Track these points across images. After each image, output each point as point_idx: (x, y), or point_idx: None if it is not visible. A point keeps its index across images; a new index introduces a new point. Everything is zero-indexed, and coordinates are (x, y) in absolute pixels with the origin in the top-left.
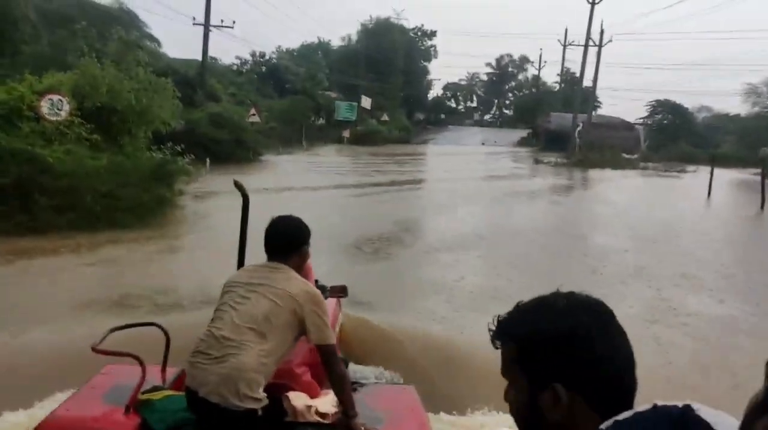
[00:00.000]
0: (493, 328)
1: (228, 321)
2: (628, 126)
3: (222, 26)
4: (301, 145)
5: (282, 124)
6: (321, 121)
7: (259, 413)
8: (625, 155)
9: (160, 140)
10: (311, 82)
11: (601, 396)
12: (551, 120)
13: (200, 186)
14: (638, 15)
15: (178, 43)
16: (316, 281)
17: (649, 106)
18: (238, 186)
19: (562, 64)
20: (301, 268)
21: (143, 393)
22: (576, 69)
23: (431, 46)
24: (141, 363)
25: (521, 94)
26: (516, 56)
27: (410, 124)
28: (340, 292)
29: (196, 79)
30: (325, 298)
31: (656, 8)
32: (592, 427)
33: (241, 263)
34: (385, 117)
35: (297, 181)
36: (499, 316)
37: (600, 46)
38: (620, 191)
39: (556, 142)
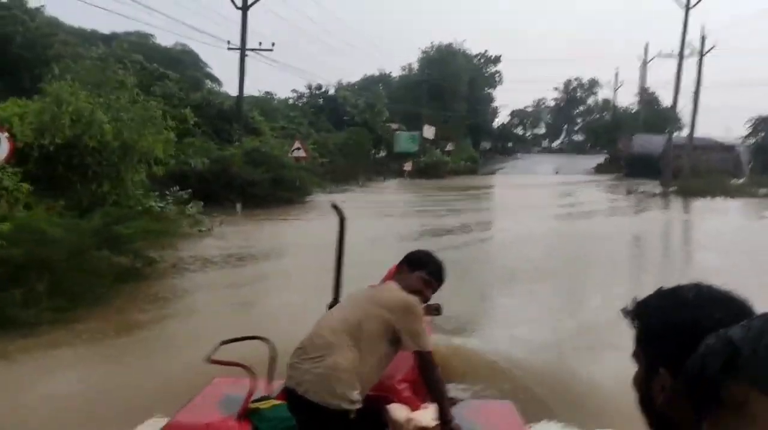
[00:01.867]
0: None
1: (326, 325)
2: (726, 147)
3: (260, 49)
4: (358, 181)
5: (338, 158)
6: (382, 153)
7: (352, 415)
8: (731, 180)
9: (177, 183)
10: (370, 113)
11: None
12: (634, 143)
13: (207, 244)
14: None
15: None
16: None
17: (749, 124)
18: (336, 208)
19: (642, 82)
20: (416, 290)
21: (253, 402)
22: (654, 88)
23: (496, 72)
24: (251, 373)
25: (591, 118)
26: (585, 80)
27: (477, 153)
28: (434, 310)
29: (232, 112)
30: None
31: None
32: (688, 423)
33: (337, 290)
34: (450, 147)
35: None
36: (636, 297)
37: (701, 54)
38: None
39: (641, 168)
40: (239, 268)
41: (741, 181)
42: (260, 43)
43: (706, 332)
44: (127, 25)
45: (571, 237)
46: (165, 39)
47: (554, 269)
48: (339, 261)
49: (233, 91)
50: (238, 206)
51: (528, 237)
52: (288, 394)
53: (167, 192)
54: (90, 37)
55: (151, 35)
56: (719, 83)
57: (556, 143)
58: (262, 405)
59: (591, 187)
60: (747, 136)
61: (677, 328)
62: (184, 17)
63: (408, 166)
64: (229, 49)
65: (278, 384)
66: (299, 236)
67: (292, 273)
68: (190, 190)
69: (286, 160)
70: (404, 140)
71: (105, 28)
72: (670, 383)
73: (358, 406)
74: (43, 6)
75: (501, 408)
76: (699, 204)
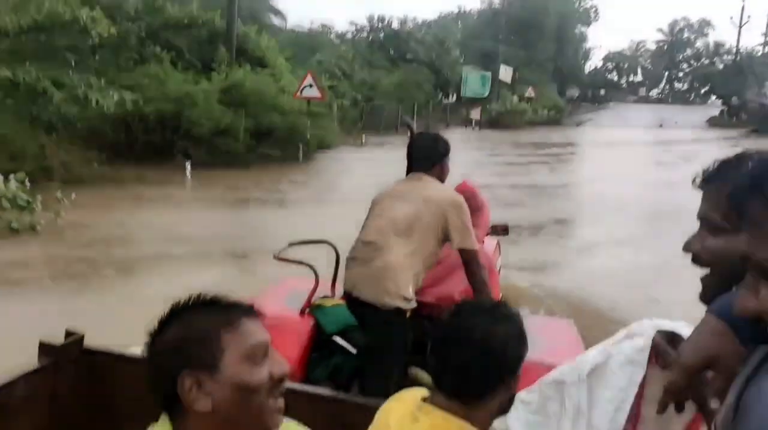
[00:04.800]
0: (710, 170)
1: (373, 227)
2: None
3: None
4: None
5: (392, 102)
6: (451, 98)
7: (408, 314)
8: None
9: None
10: (439, 50)
11: None
12: None
13: None
14: None
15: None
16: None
17: None
18: (408, 125)
19: None
20: (443, 180)
21: (316, 300)
22: None
23: (591, 7)
24: (315, 272)
25: (699, 64)
26: (693, 20)
27: (562, 101)
28: (502, 230)
29: (223, 35)
30: (487, 234)
31: None
32: None
33: None
34: (531, 93)
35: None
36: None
37: None
38: None
39: None
40: None
41: None
42: None
43: None
44: None
45: None
46: None
47: None
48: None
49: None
50: (187, 167)
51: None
52: (346, 296)
53: None
54: None
55: None
56: None
57: (654, 92)
58: (325, 302)
59: (719, 148)
60: None
61: None
62: None
63: (476, 114)
64: None
65: (341, 288)
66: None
67: None
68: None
69: (286, 102)
70: (473, 82)
71: None
72: None
73: (413, 305)
74: None
75: (560, 325)
76: None
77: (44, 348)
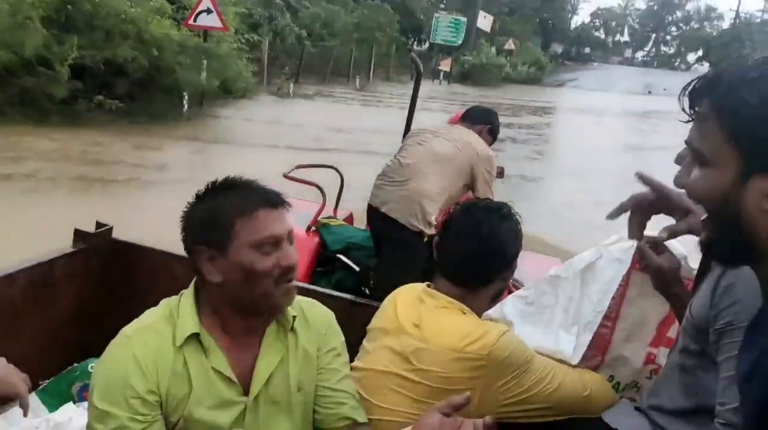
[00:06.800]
0: (695, 87)
1: (414, 153)
2: None
3: None
4: (364, 79)
5: (348, 46)
6: (423, 46)
7: (426, 239)
8: None
9: None
10: None
11: None
12: None
13: None
14: None
15: None
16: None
17: None
18: (414, 60)
19: None
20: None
21: (322, 219)
22: None
23: None
24: (322, 192)
25: (688, 28)
26: None
27: (545, 57)
28: (498, 174)
29: None
30: None
31: None
32: None
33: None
34: (511, 45)
35: None
36: (703, 77)
37: None
38: None
39: None
40: None
41: None
42: None
43: None
44: None
45: None
46: None
47: None
48: (411, 115)
49: None
50: None
51: None
52: (371, 212)
53: None
54: None
55: None
56: None
57: (639, 54)
58: (331, 222)
59: None
60: None
61: None
62: None
63: (446, 65)
64: None
65: (343, 212)
66: None
67: None
68: None
69: (161, 29)
70: (445, 27)
71: None
72: None
73: (433, 232)
74: None
75: (546, 262)
76: None
77: (78, 235)
